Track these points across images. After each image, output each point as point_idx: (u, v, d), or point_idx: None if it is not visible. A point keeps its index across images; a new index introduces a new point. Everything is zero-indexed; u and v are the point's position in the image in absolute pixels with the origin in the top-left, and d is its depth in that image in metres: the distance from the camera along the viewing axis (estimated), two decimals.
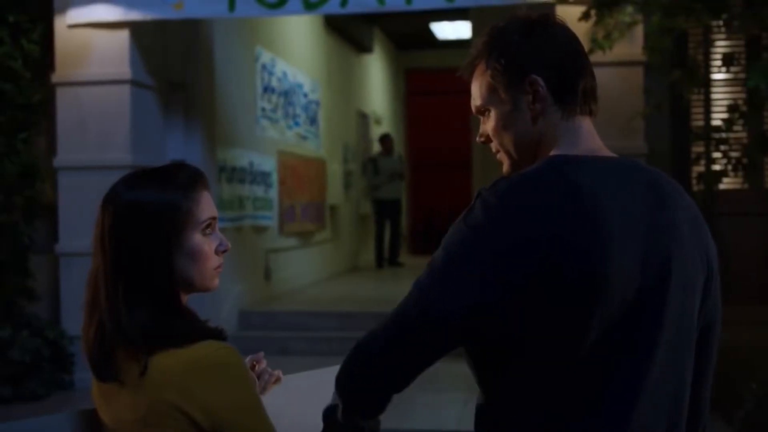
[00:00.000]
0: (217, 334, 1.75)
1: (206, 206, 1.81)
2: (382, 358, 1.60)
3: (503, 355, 1.54)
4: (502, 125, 1.68)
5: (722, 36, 6.44)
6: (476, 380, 1.62)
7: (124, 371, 1.72)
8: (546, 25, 1.66)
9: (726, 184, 6.49)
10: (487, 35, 1.69)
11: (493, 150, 1.74)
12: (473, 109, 1.76)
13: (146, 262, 1.74)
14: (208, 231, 1.80)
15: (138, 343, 1.70)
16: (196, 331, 1.74)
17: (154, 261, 1.74)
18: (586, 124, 1.67)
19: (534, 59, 1.62)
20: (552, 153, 1.62)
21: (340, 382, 1.65)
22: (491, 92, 1.68)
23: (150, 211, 1.75)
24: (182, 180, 1.79)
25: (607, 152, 1.66)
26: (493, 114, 1.70)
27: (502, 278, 1.48)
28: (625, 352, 1.51)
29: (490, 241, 1.51)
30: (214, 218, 1.82)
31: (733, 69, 5.58)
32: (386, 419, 1.72)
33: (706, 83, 6.72)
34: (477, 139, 1.78)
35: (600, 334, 1.49)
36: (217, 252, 1.82)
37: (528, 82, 1.62)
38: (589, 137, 1.66)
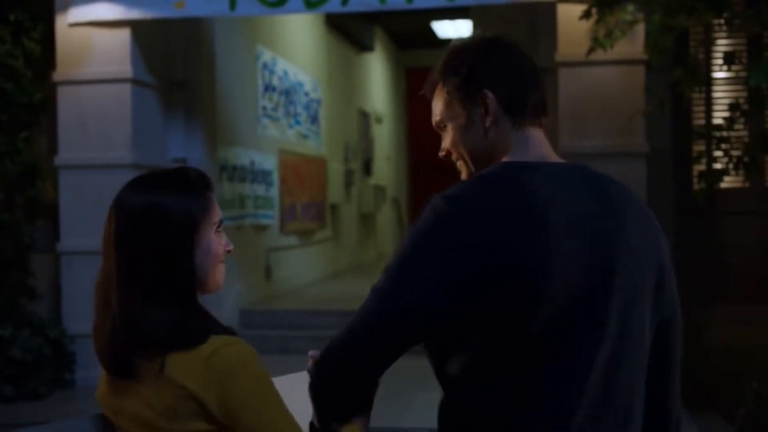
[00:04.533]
0: (232, 332, 1.81)
1: (216, 207, 1.87)
2: (348, 362, 1.69)
3: (457, 348, 1.64)
4: (459, 138, 1.81)
5: (724, 34, 6.43)
6: (435, 374, 1.71)
7: (143, 369, 1.76)
8: (498, 44, 1.80)
9: (727, 182, 6.48)
10: (446, 55, 1.83)
11: (455, 160, 1.87)
12: (434, 124, 1.88)
13: (168, 263, 1.77)
14: (218, 230, 1.86)
15: (157, 343, 1.74)
16: (213, 329, 1.78)
17: (176, 261, 1.78)
18: (536, 133, 1.78)
19: (485, 76, 1.76)
20: (503, 160, 1.74)
21: (312, 388, 1.75)
22: (448, 108, 1.81)
23: (171, 213, 1.79)
24: (196, 182, 1.85)
25: (556, 158, 1.77)
26: (450, 128, 1.82)
27: (450, 279, 1.59)
28: (570, 346, 1.60)
29: (438, 243, 1.62)
30: (221, 219, 1.88)
31: (734, 67, 5.57)
32: (384, 417, 1.74)
33: (708, 82, 6.71)
34: (439, 153, 1.89)
35: (546, 330, 1.59)
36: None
37: (480, 96, 1.74)
38: (539, 145, 1.76)
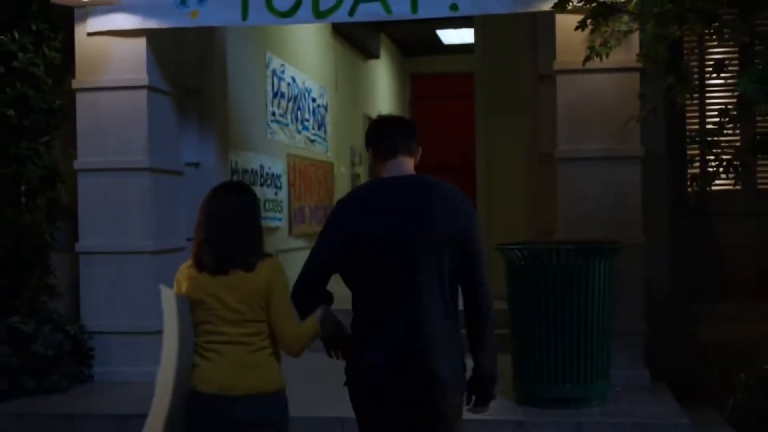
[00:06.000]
0: (270, 255, 3.52)
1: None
2: (301, 284, 3.34)
3: (351, 282, 3.32)
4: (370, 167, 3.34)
5: (715, 43, 6.66)
6: (346, 285, 3.37)
7: (237, 272, 3.41)
8: (378, 121, 3.55)
9: (720, 185, 6.70)
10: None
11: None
12: None
13: (260, 228, 3.54)
14: None
15: (255, 258, 3.43)
16: (267, 254, 3.50)
17: (260, 227, 3.56)
18: (390, 163, 3.39)
19: (368, 139, 3.50)
20: (375, 177, 3.47)
21: (292, 298, 3.39)
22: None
23: (258, 205, 3.59)
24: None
25: (404, 173, 3.38)
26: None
27: (336, 244, 3.29)
28: (390, 276, 3.23)
29: (333, 225, 3.35)
30: None
31: (726, 74, 5.80)
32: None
33: (701, 88, 6.94)
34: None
35: (382, 274, 3.24)
36: None
37: (368, 150, 3.50)
38: (391, 169, 3.38)
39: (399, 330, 3.20)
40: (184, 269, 3.50)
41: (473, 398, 3.39)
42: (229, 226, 3.44)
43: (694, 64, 7.01)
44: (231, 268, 3.39)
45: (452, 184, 3.40)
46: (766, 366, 5.25)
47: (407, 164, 3.38)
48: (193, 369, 3.41)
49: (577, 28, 5.39)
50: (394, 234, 3.21)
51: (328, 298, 3.40)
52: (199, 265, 3.43)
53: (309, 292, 3.35)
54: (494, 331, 3.36)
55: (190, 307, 3.42)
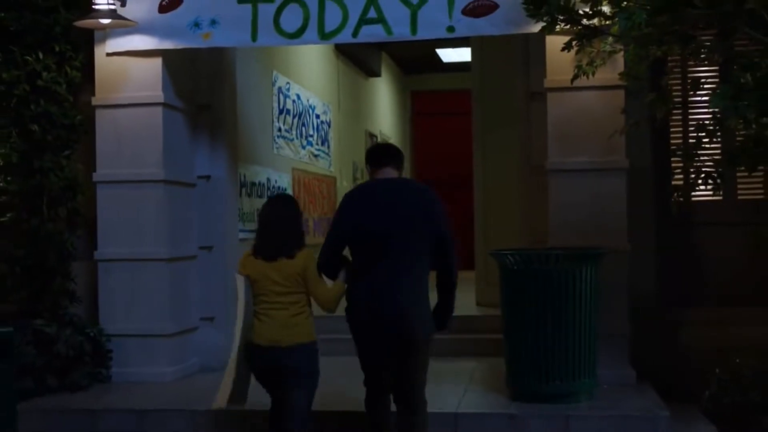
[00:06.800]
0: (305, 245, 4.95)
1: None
2: (322, 256, 4.89)
3: (353, 249, 4.82)
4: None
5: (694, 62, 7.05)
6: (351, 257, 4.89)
7: (281, 258, 4.86)
8: (375, 146, 5.40)
9: (703, 196, 7.09)
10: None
11: None
12: None
13: (298, 228, 5.01)
14: None
15: (295, 249, 4.87)
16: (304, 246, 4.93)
17: (299, 227, 5.02)
18: (382, 171, 4.95)
19: (368, 157, 5.10)
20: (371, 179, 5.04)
21: (319, 268, 4.90)
22: None
23: (298, 212, 5.09)
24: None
25: (391, 177, 4.94)
26: None
27: (344, 228, 4.82)
28: (382, 250, 4.70)
29: (341, 213, 4.91)
30: None
31: (703, 92, 6.17)
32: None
33: (684, 104, 7.34)
34: None
35: (372, 247, 4.73)
36: None
37: (368, 165, 5.08)
38: (383, 175, 4.95)
39: (382, 285, 4.70)
40: (246, 256, 5.01)
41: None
42: (277, 228, 4.94)
43: (677, 81, 7.42)
44: (278, 256, 4.86)
45: (424, 184, 5.12)
46: (737, 361, 5.64)
47: (393, 173, 4.96)
48: (252, 327, 4.87)
49: (563, 49, 5.76)
50: (383, 220, 4.73)
51: (344, 262, 4.91)
52: (257, 253, 4.94)
53: (330, 264, 4.87)
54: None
55: (250, 283, 4.90)
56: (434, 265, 4.84)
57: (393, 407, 5.06)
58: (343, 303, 4.92)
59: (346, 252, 4.96)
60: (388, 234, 4.69)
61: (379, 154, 5.07)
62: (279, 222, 4.94)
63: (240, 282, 4.94)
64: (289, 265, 4.84)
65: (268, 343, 4.83)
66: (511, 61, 8.04)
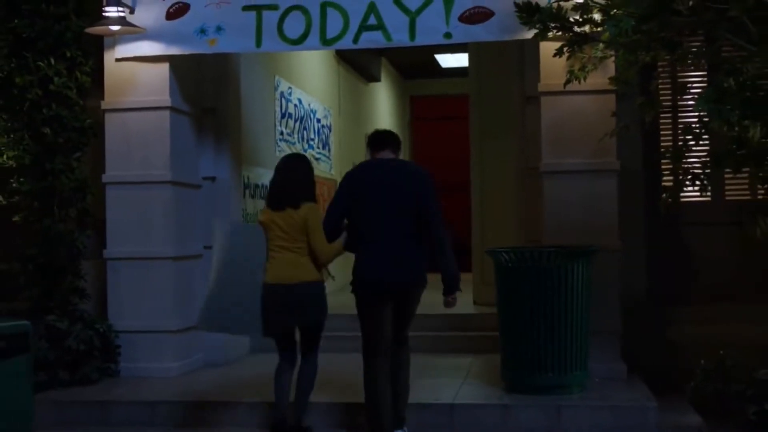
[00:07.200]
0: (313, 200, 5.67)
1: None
2: (327, 226, 5.58)
3: (352, 217, 5.57)
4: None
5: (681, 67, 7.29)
6: (348, 224, 5.62)
7: (288, 208, 5.55)
8: (375, 132, 5.94)
9: (691, 197, 7.32)
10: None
11: None
12: None
13: (305, 183, 5.70)
14: None
15: (301, 201, 5.56)
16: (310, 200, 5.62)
17: (306, 183, 5.72)
18: (381, 153, 5.69)
19: (369, 141, 5.81)
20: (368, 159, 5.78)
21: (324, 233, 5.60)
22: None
23: (308, 167, 5.80)
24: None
25: (387, 157, 5.69)
26: None
27: (345, 201, 5.58)
28: (380, 221, 5.48)
29: (343, 188, 5.66)
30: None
31: (689, 96, 6.39)
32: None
33: (674, 107, 7.58)
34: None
35: (368, 213, 5.50)
36: None
37: (368, 146, 5.81)
38: (382, 155, 5.68)
39: (380, 247, 5.46)
40: (263, 209, 5.82)
41: (445, 296, 5.59)
42: (284, 182, 5.66)
43: (668, 85, 7.66)
44: (285, 207, 5.55)
45: (418, 165, 5.85)
46: (721, 352, 5.88)
47: (391, 155, 5.70)
48: (265, 267, 5.56)
49: (554, 55, 6.00)
50: (381, 192, 5.48)
51: (343, 228, 5.64)
52: (268, 204, 5.69)
53: (332, 229, 5.58)
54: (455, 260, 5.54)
55: (263, 230, 5.62)
56: (426, 236, 5.52)
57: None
58: (349, 275, 5.54)
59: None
60: (384, 205, 5.45)
61: (378, 139, 5.77)
62: (288, 176, 5.64)
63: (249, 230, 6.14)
64: (293, 214, 5.51)
65: (276, 281, 5.50)
66: (507, 66, 8.28)
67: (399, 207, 5.46)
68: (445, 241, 5.51)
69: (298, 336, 5.75)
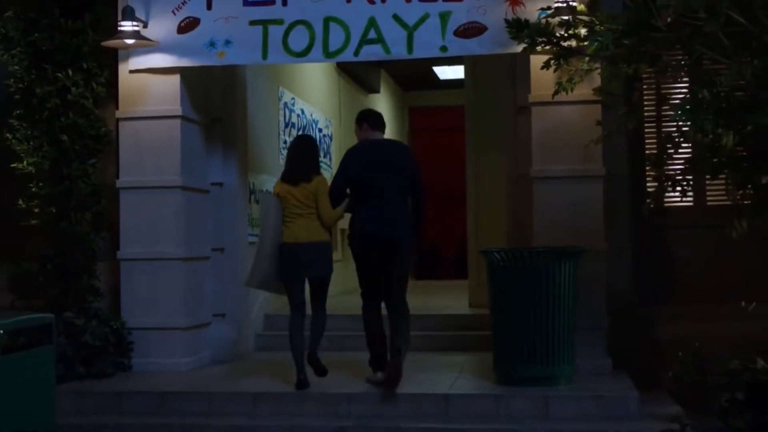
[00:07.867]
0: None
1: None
2: (331, 197, 6.84)
3: (353, 190, 6.85)
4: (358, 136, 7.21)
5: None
6: (351, 196, 6.94)
7: (302, 181, 6.84)
8: (372, 111, 7.29)
9: (676, 201, 7.70)
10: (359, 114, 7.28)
11: None
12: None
13: (315, 160, 7.05)
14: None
15: (312, 175, 6.91)
16: (317, 173, 6.93)
17: (316, 159, 7.13)
18: (374, 133, 7.03)
19: (366, 117, 7.11)
20: (363, 139, 7.06)
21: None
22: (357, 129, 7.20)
23: (315, 145, 7.25)
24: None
25: (381, 138, 7.09)
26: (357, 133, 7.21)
27: (346, 176, 6.87)
28: (376, 190, 6.74)
29: (345, 163, 6.96)
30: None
31: (667, 106, 6.71)
32: None
33: (658, 116, 7.95)
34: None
35: (366, 187, 6.75)
36: None
37: (360, 122, 7.10)
38: (375, 135, 7.02)
39: (375, 212, 6.68)
40: (277, 182, 6.95)
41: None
42: (297, 158, 6.92)
43: (653, 96, 8.04)
44: (299, 181, 6.82)
45: (404, 144, 7.81)
46: (696, 344, 6.26)
47: (381, 136, 7.05)
48: (282, 231, 6.79)
49: (542, 68, 6.39)
50: (377, 169, 6.69)
51: (346, 196, 6.88)
52: (283, 179, 6.91)
53: (336, 197, 6.83)
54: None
55: (280, 200, 6.85)
56: (412, 203, 6.85)
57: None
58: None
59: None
60: (379, 177, 6.68)
61: (376, 119, 7.05)
62: (300, 155, 6.94)
63: (270, 201, 6.92)
64: (306, 187, 6.79)
65: (293, 240, 6.78)
66: (500, 78, 8.64)
67: (393, 180, 6.73)
68: (422, 216, 6.95)
69: (307, 293, 6.99)
